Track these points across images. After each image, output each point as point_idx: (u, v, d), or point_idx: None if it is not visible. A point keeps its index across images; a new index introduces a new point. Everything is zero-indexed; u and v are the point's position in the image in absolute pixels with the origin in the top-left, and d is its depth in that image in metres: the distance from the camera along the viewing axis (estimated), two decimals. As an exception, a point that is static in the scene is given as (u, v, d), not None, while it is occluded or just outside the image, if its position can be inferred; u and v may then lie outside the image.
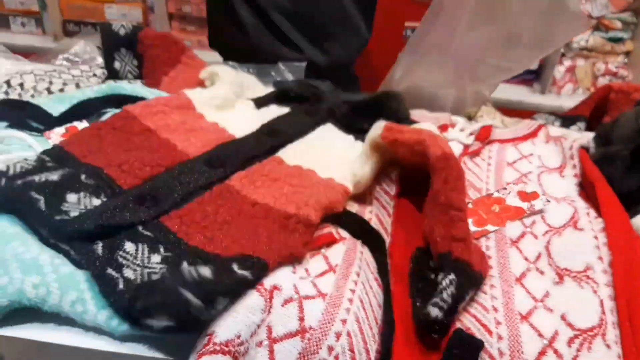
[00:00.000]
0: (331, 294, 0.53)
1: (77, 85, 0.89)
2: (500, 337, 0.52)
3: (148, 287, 0.47)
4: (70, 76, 0.94)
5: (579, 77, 2.02)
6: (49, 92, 0.88)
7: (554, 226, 0.64)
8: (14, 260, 0.52)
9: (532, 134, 0.83)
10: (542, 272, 0.59)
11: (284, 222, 0.60)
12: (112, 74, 0.96)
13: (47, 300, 0.50)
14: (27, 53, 1.08)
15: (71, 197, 0.58)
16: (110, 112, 0.76)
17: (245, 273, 0.50)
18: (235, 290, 0.49)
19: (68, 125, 0.74)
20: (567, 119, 1.00)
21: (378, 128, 0.67)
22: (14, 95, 0.86)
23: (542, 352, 0.49)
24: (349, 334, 0.49)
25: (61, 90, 0.88)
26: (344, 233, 0.63)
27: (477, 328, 0.53)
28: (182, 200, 0.62)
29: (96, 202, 0.59)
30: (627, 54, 2.01)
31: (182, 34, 2.00)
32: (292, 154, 0.73)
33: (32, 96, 0.87)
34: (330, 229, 0.63)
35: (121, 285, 0.51)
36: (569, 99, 2.03)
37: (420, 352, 0.51)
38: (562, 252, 0.59)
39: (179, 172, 0.65)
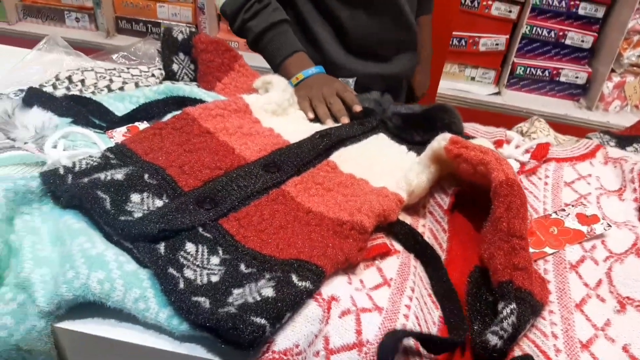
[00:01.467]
0: (387, 308, 0.53)
1: (137, 85, 0.92)
2: None
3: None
4: (130, 75, 0.96)
5: (628, 93, 1.96)
6: (109, 89, 0.91)
7: (615, 252, 0.62)
8: (80, 256, 0.53)
9: (590, 154, 0.81)
10: (603, 300, 0.57)
11: (337, 229, 0.60)
12: (170, 76, 0.98)
13: (111, 296, 0.52)
14: (81, 48, 1.11)
15: (135, 197, 0.60)
16: (171, 114, 0.78)
17: (306, 284, 0.50)
18: (299, 304, 0.49)
19: (130, 125, 0.76)
20: (623, 139, 0.97)
21: (442, 140, 0.66)
22: (75, 91, 0.89)
23: None
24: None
25: (121, 88, 0.91)
26: (397, 245, 0.63)
27: (536, 354, 0.52)
28: (239, 203, 0.63)
29: (158, 202, 0.60)
30: (682, 72, 1.95)
31: (230, 35, 2.02)
32: (345, 159, 0.74)
33: (93, 93, 0.89)
34: (384, 240, 0.63)
35: (182, 285, 0.52)
36: (616, 116, 1.97)
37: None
38: (624, 280, 0.58)
39: (237, 176, 0.66)
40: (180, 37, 0.98)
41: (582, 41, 1.90)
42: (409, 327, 0.51)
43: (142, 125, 0.77)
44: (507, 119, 1.94)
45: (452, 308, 0.57)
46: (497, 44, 1.90)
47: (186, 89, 0.85)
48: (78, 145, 0.69)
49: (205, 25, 1.99)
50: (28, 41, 2.07)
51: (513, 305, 0.50)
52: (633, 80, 1.92)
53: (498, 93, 1.98)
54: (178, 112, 0.79)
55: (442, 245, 0.65)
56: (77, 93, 0.88)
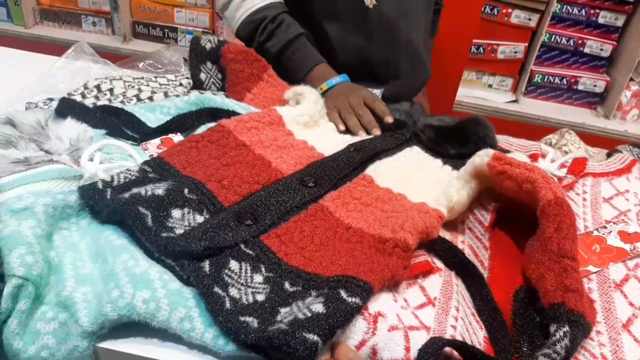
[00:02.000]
0: (434, 328, 0.52)
1: (165, 94, 0.91)
2: None
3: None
4: (158, 84, 0.96)
5: (647, 102, 1.95)
6: (138, 99, 0.90)
7: (661, 272, 0.61)
8: (124, 274, 0.52)
9: (626, 169, 0.80)
10: None
11: (380, 247, 0.59)
12: (198, 85, 0.97)
13: (156, 316, 0.51)
14: (98, 53, 1.10)
15: (176, 213, 0.59)
16: (204, 126, 0.77)
17: (355, 300, 0.50)
18: (349, 319, 0.49)
19: (163, 136, 0.75)
20: (655, 152, 0.96)
21: (485, 155, 0.65)
22: (103, 100, 0.88)
23: None
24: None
25: (150, 98, 0.90)
26: (438, 262, 0.62)
27: None
28: (279, 219, 0.62)
29: (199, 218, 0.60)
30: (701, 81, 1.93)
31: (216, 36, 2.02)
32: (381, 172, 0.73)
33: (122, 102, 0.89)
34: (425, 257, 0.62)
35: (228, 304, 0.51)
36: (633, 125, 1.96)
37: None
38: (672, 301, 0.57)
39: (275, 191, 0.65)
40: (208, 46, 0.97)
41: (601, 49, 1.89)
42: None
43: (176, 138, 0.76)
44: (524, 127, 1.93)
45: (497, 328, 0.56)
46: (515, 52, 1.89)
47: (217, 99, 0.85)
48: (114, 158, 0.69)
49: (222, 31, 1.99)
50: (44, 45, 2.08)
51: (566, 328, 0.49)
52: (652, 88, 1.91)
53: (515, 101, 1.97)
54: (212, 124, 0.78)
55: (483, 262, 0.64)
56: (106, 102, 0.88)
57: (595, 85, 1.94)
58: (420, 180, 0.73)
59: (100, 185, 0.61)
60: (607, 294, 0.59)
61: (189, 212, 0.60)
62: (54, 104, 0.83)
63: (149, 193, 0.59)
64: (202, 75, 0.98)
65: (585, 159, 0.80)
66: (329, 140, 0.82)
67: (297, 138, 0.79)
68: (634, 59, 1.84)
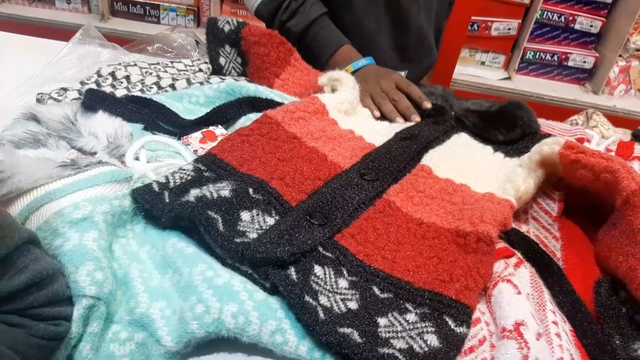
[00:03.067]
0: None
1: (188, 81, 0.85)
2: None
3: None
4: (176, 70, 0.89)
5: (633, 77, 1.98)
6: (159, 87, 0.83)
7: None
8: (206, 287, 0.48)
9: (670, 151, 0.80)
10: None
11: (460, 241, 0.57)
12: (217, 70, 0.91)
13: (246, 331, 0.47)
14: (73, 32, 1.02)
15: (245, 216, 0.54)
16: (246, 117, 0.72)
17: (464, 330, 0.47)
18: (459, 352, 0.46)
19: (204, 129, 0.70)
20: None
21: (555, 144, 0.63)
22: (121, 89, 0.81)
23: None
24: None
25: (171, 86, 0.84)
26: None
27: None
28: (348, 217, 0.59)
29: (269, 220, 0.55)
30: (683, 56, 1.98)
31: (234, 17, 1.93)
32: (438, 162, 0.70)
33: (142, 91, 0.82)
34: (504, 244, 0.60)
35: (322, 315, 0.47)
36: (620, 100, 2.00)
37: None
38: None
39: (339, 186, 0.61)
40: (226, 28, 0.91)
41: (591, 26, 1.91)
42: (565, 347, 0.49)
43: (218, 130, 0.71)
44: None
45: (582, 320, 0.54)
46: (509, 29, 1.88)
47: (250, 87, 0.79)
48: (160, 156, 0.63)
49: (209, 7, 1.89)
50: (12, 24, 1.93)
51: None
52: (638, 64, 1.94)
53: (508, 78, 1.97)
54: (253, 115, 0.73)
55: (555, 253, 0.62)
56: (125, 91, 0.81)
57: (584, 62, 1.96)
58: (476, 170, 0.71)
59: (156, 187, 0.56)
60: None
61: (257, 214, 0.56)
62: (70, 94, 0.76)
63: (215, 195, 0.55)
64: (222, 60, 0.92)
65: (633, 142, 0.79)
66: (372, 128, 0.78)
67: (342, 127, 0.74)
68: (623, 35, 1.86)
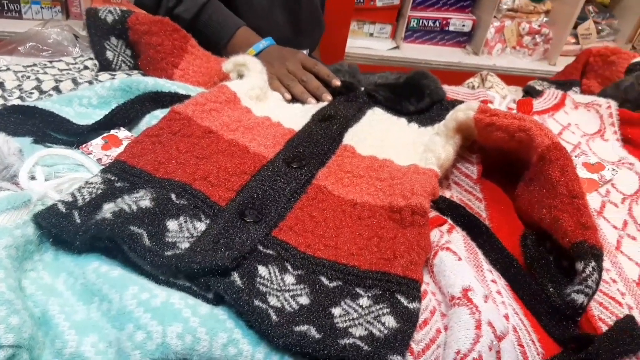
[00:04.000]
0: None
1: (74, 81, 0.76)
2: (630, 307, 0.54)
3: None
4: (57, 70, 0.80)
5: (507, 36, 2.13)
6: (41, 91, 0.74)
7: (627, 194, 0.67)
8: (143, 310, 0.43)
9: (561, 103, 0.86)
10: (634, 238, 0.62)
11: (396, 217, 0.57)
12: (105, 65, 0.83)
13: (195, 349, 0.43)
14: None
15: (172, 225, 0.50)
16: (151, 115, 0.66)
17: (416, 305, 0.47)
18: (416, 327, 0.46)
19: (105, 134, 0.63)
20: (562, 84, 1.05)
21: (469, 109, 0.65)
22: (-5, 99, 0.71)
23: None
24: (515, 329, 0.48)
25: (55, 89, 0.74)
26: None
27: (607, 301, 0.54)
28: (282, 209, 0.56)
29: (199, 225, 0.51)
30: (547, 12, 2.16)
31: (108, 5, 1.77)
32: (358, 140, 0.69)
33: (21, 98, 0.72)
34: (435, 213, 0.61)
35: (274, 317, 0.45)
36: (499, 58, 2.14)
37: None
38: (648, 219, 0.63)
39: (267, 178, 0.58)
40: (110, 18, 0.83)
41: (466, -10, 2.01)
42: (507, 303, 0.51)
43: (121, 133, 0.64)
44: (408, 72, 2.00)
45: (516, 274, 0.57)
46: (392, -1, 1.93)
47: (149, 81, 0.73)
48: (60, 171, 0.56)
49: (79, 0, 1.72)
50: None
51: (593, 264, 0.51)
52: (510, 24, 2.08)
53: (397, 47, 2.02)
54: (158, 112, 0.67)
55: (480, 214, 0.64)
56: (0, 101, 0.71)
57: (463, 25, 2.07)
58: (395, 142, 0.71)
59: (62, 208, 0.49)
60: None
61: (186, 221, 0.51)
62: None
63: (134, 207, 0.49)
64: (109, 54, 0.84)
65: (531, 99, 0.84)
66: (287, 112, 0.75)
67: (257, 115, 0.71)
68: (495, -3, 1.99)
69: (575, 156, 0.73)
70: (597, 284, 0.51)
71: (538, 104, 0.86)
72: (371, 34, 2.01)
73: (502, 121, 0.62)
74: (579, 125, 0.81)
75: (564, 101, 0.86)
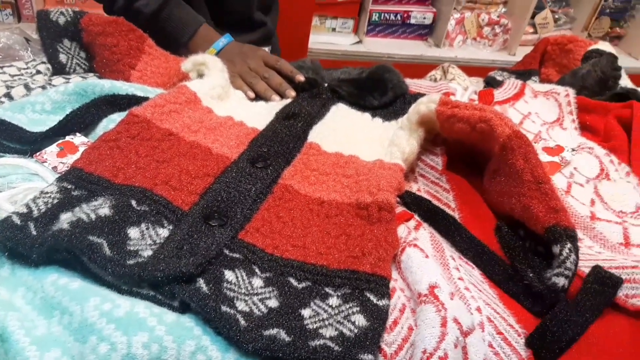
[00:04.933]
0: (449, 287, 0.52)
1: (27, 87, 0.73)
2: (624, 259, 0.55)
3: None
4: (9, 76, 0.76)
5: (467, 28, 2.16)
6: (-9, 99, 0.71)
7: (590, 177, 0.69)
8: (105, 322, 0.42)
9: (521, 93, 0.87)
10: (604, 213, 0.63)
11: (363, 214, 0.57)
12: (59, 69, 0.80)
13: (162, 359, 0.42)
14: None
15: (133, 233, 0.48)
16: (108, 119, 0.64)
17: (386, 302, 0.47)
18: (386, 324, 0.46)
19: (60, 141, 0.61)
20: (521, 74, 1.07)
21: (430, 102, 0.65)
22: (-59, 108, 0.67)
23: None
24: (489, 319, 0.49)
25: (7, 95, 0.71)
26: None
27: (601, 263, 0.54)
28: (248, 210, 0.55)
29: (162, 232, 0.50)
30: (505, 3, 2.19)
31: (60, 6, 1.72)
32: (323, 137, 0.69)
33: (-31, 107, 0.69)
34: (402, 208, 0.61)
35: (243, 322, 0.44)
36: (460, 50, 2.17)
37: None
38: (612, 197, 0.64)
39: (231, 180, 0.57)
40: (62, 20, 0.80)
41: (425, -17, 2.02)
42: (476, 296, 0.51)
43: (77, 139, 0.62)
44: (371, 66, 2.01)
45: (489, 262, 0.57)
46: (353, -7, 1.93)
47: (104, 83, 0.70)
48: (13, 181, 0.53)
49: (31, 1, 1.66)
50: None
51: (569, 245, 0.51)
52: (470, 15, 2.11)
53: (360, 42, 2.03)
54: (116, 115, 0.65)
55: (449, 205, 0.65)
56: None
57: (424, 18, 2.09)
58: (360, 138, 0.71)
59: (16, 220, 0.47)
60: (564, 202, 0.64)
61: (148, 228, 0.50)
62: None
63: (93, 216, 0.48)
64: (62, 57, 0.81)
65: (491, 89, 0.85)
66: (250, 111, 0.74)
67: (219, 115, 0.70)
68: (454, -11, 2.01)
69: (535, 142, 0.74)
70: (576, 265, 0.52)
71: (499, 94, 0.87)
72: (334, 29, 2.01)
73: (464, 113, 0.63)
74: (539, 114, 0.83)
75: (523, 90, 0.88)
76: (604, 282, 0.51)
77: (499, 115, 0.61)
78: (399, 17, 2.05)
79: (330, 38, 1.98)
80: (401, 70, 1.11)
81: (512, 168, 0.58)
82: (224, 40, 0.90)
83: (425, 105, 0.66)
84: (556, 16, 2.28)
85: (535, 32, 2.25)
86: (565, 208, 0.55)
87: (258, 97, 0.81)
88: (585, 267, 0.54)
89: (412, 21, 2.08)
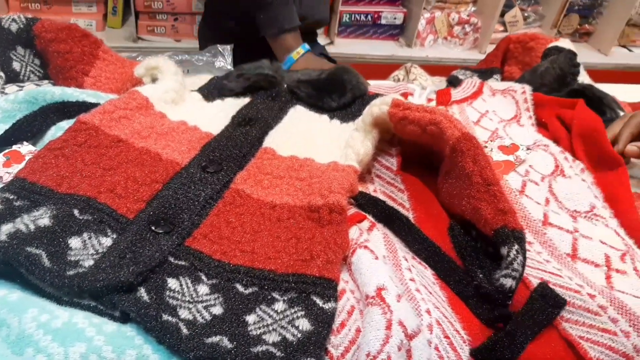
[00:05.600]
0: (400, 289, 0.52)
1: (-24, 96, 0.71)
2: (570, 277, 0.55)
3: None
4: (-43, 85, 0.75)
5: (438, 27, 2.18)
6: (-62, 109, 0.69)
7: (545, 174, 0.69)
8: (42, 333, 0.41)
9: (479, 91, 0.88)
10: (557, 214, 0.63)
11: (314, 216, 0.56)
12: (12, 77, 0.79)
13: (102, 370, 0.41)
14: None
15: (75, 243, 0.48)
16: (56, 127, 0.63)
17: (332, 304, 0.47)
18: (332, 328, 0.46)
19: (6, 150, 0.59)
20: (483, 72, 1.08)
21: (383, 104, 0.65)
22: None
23: (608, 277, 0.54)
24: (438, 322, 0.49)
25: (-45, 104, 0.70)
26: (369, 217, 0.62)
27: (548, 276, 0.54)
28: (197, 216, 0.55)
29: (106, 241, 0.49)
30: (475, 2, 2.22)
31: (24, 12, 1.69)
32: (279, 142, 0.68)
33: None
34: (354, 209, 0.61)
35: (185, 330, 0.44)
36: (431, 49, 2.18)
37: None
38: (566, 196, 0.65)
39: (180, 186, 0.57)
40: (14, 27, 0.79)
41: (395, -17, 2.04)
42: (426, 299, 0.51)
43: (24, 148, 0.61)
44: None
45: (441, 262, 0.57)
46: (323, -6, 1.92)
47: (56, 91, 0.69)
48: (-48, 193, 0.52)
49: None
50: None
51: (517, 247, 0.52)
52: (440, 14, 2.13)
53: (331, 43, 2.03)
54: (64, 123, 0.64)
55: (404, 205, 0.65)
56: None
57: (395, 18, 2.10)
58: (317, 140, 0.71)
59: (-47, 232, 0.46)
60: (518, 203, 0.65)
61: (90, 238, 0.49)
62: None
63: (32, 227, 0.47)
64: (15, 65, 0.80)
65: (449, 89, 0.85)
66: (206, 115, 0.73)
67: (172, 120, 0.69)
68: (424, -12, 2.02)
69: (491, 140, 0.75)
70: (523, 266, 0.52)
71: (457, 93, 0.87)
72: (305, 31, 2.00)
73: (415, 115, 0.63)
74: (497, 112, 0.83)
75: (481, 89, 0.88)
76: (549, 301, 0.51)
77: (449, 117, 0.62)
78: (369, 17, 2.06)
79: (302, 40, 1.98)
80: (373, 71, 1.11)
81: (462, 170, 0.59)
82: (300, 50, 0.95)
83: (378, 107, 0.66)
84: (525, 14, 2.31)
85: (505, 31, 2.27)
86: (514, 210, 0.55)
87: (212, 98, 0.80)
88: (532, 276, 0.55)
89: (383, 21, 2.09)
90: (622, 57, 2.49)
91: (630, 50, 2.56)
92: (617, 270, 0.55)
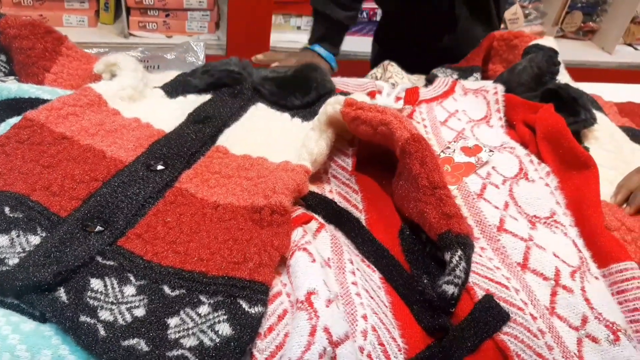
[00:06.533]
0: (340, 293, 0.50)
1: None
2: (516, 290, 0.54)
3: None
4: None
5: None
6: None
7: (508, 176, 0.67)
8: (-48, 334, 0.41)
9: (450, 91, 0.86)
10: (515, 219, 0.61)
11: (255, 217, 0.55)
12: (-25, 73, 0.78)
13: (14, 370, 0.41)
14: None
15: (2, 241, 0.47)
16: (6, 123, 0.62)
17: (259, 309, 0.46)
18: (256, 333, 0.45)
19: (-50, 146, 0.59)
20: (463, 70, 1.05)
21: (336, 103, 0.64)
22: None
23: (554, 293, 0.52)
24: (373, 329, 0.48)
25: None
26: (319, 218, 0.60)
27: (493, 287, 0.53)
28: (134, 216, 0.54)
29: (34, 239, 0.48)
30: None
31: (19, 9, 1.70)
32: (234, 140, 0.67)
33: None
34: (302, 210, 0.60)
35: (102, 332, 0.43)
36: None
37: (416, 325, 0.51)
38: (526, 201, 0.63)
39: (120, 184, 0.56)
40: (-22, 23, 0.78)
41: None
42: (366, 303, 0.50)
43: (-31, 145, 0.60)
44: (339, 63, 1.99)
45: (388, 265, 0.56)
46: (316, -9, 1.90)
47: (12, 87, 0.69)
48: None
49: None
50: None
51: (460, 252, 0.50)
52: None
53: (325, 39, 2.01)
54: (13, 120, 0.64)
55: (357, 206, 0.63)
56: None
57: (391, 15, 2.07)
58: (276, 139, 0.70)
59: None
60: (474, 206, 0.63)
61: (18, 236, 0.48)
62: None
63: (-45, 225, 0.46)
64: (-20, 61, 0.79)
65: (417, 88, 0.84)
66: (164, 112, 0.72)
67: (126, 117, 0.68)
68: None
69: (454, 141, 0.73)
70: (467, 273, 0.51)
71: (427, 92, 0.85)
72: (298, 27, 1.99)
73: (367, 115, 0.61)
74: (467, 112, 0.81)
75: (453, 88, 0.86)
76: (493, 314, 0.49)
77: (399, 118, 0.60)
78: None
79: (295, 36, 1.97)
80: (367, 68, 1.10)
81: (410, 172, 0.57)
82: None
83: (331, 107, 0.64)
84: (526, 11, 2.27)
85: (506, 28, 2.23)
86: (461, 214, 0.54)
87: (176, 94, 0.79)
88: (478, 287, 0.53)
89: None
90: (627, 56, 2.43)
91: (635, 49, 2.50)
92: (564, 287, 0.53)
